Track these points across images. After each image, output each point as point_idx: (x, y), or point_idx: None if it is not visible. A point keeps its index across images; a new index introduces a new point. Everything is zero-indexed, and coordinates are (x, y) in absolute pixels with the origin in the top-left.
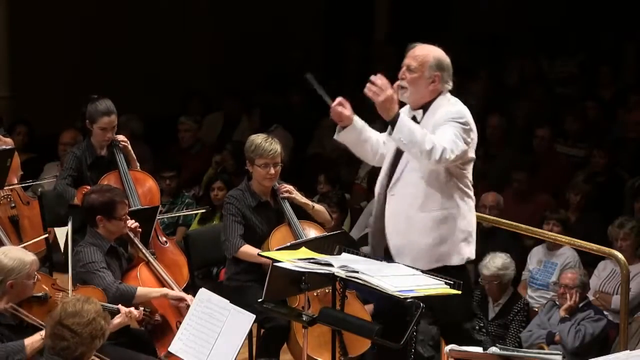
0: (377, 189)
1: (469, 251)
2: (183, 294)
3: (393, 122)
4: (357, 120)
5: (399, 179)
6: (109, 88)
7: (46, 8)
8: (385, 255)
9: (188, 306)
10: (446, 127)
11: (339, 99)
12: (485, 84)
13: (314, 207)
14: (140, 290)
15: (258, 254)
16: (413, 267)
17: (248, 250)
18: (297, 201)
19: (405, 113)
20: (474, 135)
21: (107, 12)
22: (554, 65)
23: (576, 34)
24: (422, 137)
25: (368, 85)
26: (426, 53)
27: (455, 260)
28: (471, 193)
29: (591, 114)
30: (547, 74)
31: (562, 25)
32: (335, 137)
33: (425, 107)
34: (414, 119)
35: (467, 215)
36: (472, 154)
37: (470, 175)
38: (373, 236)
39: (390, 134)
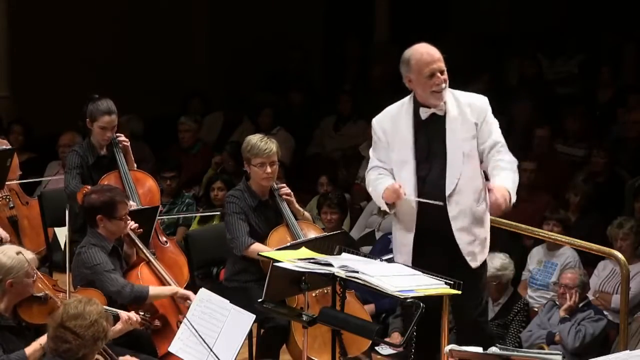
0: (411, 195)
1: None
2: (189, 293)
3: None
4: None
5: (458, 184)
6: (109, 88)
7: (46, 8)
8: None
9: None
10: (493, 126)
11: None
12: (485, 85)
13: (304, 214)
14: (153, 290)
15: (258, 254)
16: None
17: (257, 247)
18: (293, 205)
19: (405, 115)
20: None
21: (107, 12)
22: (554, 66)
23: (576, 34)
24: (513, 168)
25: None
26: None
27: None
28: None
29: (591, 114)
30: (547, 74)
31: (562, 26)
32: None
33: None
34: (434, 115)
35: None
36: None
37: None
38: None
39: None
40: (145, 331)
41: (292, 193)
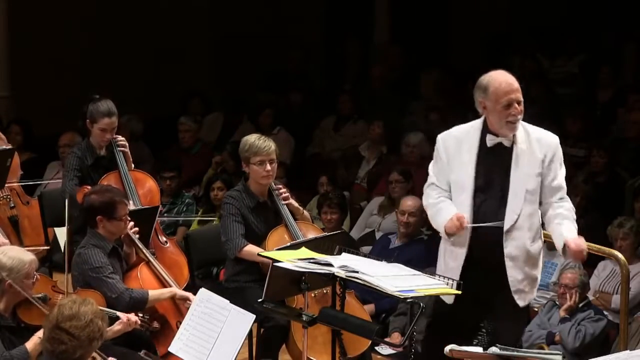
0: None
1: None
2: (189, 294)
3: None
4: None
5: (517, 221)
6: (109, 88)
7: (46, 8)
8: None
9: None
10: (561, 169)
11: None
12: None
13: (303, 212)
14: (152, 293)
15: (258, 254)
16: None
17: (251, 249)
18: (292, 205)
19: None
20: None
21: (107, 12)
22: (554, 65)
23: (576, 34)
24: (574, 217)
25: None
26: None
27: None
28: None
29: (591, 114)
30: (547, 74)
31: (562, 26)
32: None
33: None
34: (500, 145)
35: None
36: None
37: None
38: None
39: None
40: (144, 332)
41: (289, 195)
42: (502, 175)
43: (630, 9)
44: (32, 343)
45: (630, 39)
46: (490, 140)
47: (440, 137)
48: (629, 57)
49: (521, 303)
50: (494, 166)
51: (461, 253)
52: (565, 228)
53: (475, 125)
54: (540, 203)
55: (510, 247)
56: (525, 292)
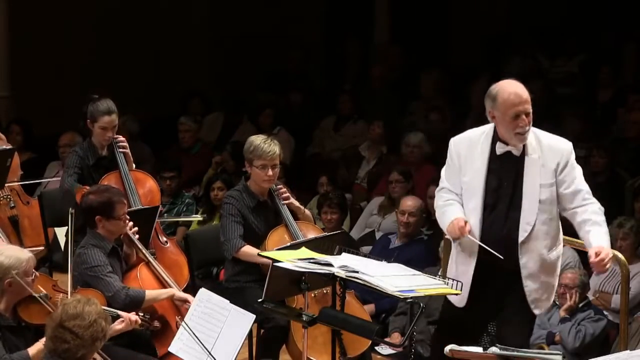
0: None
1: None
2: (187, 296)
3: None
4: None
5: (532, 232)
6: (109, 88)
7: (46, 8)
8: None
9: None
10: (576, 172)
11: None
12: (486, 84)
13: (304, 211)
14: (149, 293)
15: (258, 254)
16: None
17: (248, 250)
18: (293, 204)
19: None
20: None
21: (108, 12)
22: (554, 65)
23: (576, 34)
24: (602, 219)
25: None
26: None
27: None
28: None
29: (591, 114)
30: (547, 74)
31: (562, 26)
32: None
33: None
34: (509, 153)
35: None
36: None
37: None
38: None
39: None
40: (144, 331)
41: (289, 195)
42: (511, 184)
43: (630, 9)
44: (35, 349)
45: (630, 39)
46: (500, 149)
47: (453, 141)
48: (629, 57)
49: (537, 311)
50: (503, 174)
51: (471, 259)
52: (593, 235)
53: (487, 130)
54: (562, 207)
55: (526, 259)
56: (542, 300)
